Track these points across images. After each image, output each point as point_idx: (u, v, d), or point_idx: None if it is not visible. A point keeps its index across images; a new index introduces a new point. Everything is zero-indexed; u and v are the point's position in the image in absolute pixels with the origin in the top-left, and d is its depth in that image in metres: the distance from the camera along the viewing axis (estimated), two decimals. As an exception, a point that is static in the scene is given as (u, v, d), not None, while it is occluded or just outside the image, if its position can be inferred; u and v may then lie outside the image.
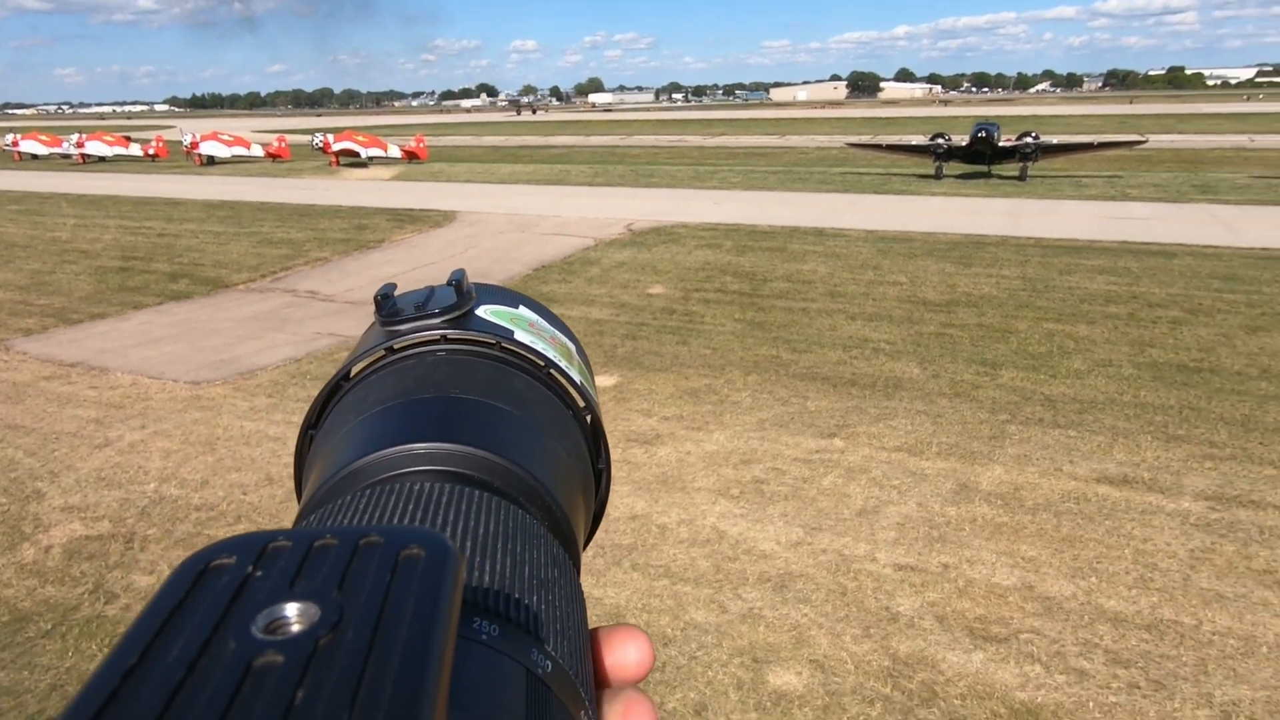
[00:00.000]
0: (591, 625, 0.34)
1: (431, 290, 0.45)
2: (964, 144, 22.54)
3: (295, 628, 0.18)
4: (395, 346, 0.43)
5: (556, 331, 0.49)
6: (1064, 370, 7.91)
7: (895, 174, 24.59)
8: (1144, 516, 5.24)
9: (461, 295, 0.44)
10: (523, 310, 0.47)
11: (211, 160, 34.27)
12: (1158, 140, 33.34)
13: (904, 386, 7.59)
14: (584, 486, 0.42)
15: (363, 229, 17.13)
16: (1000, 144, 22.25)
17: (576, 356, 0.48)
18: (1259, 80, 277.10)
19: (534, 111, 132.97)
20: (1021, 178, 22.16)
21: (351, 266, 13.68)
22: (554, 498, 0.37)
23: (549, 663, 0.27)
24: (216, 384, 8.02)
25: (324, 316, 10.50)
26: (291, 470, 0.45)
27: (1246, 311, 9.66)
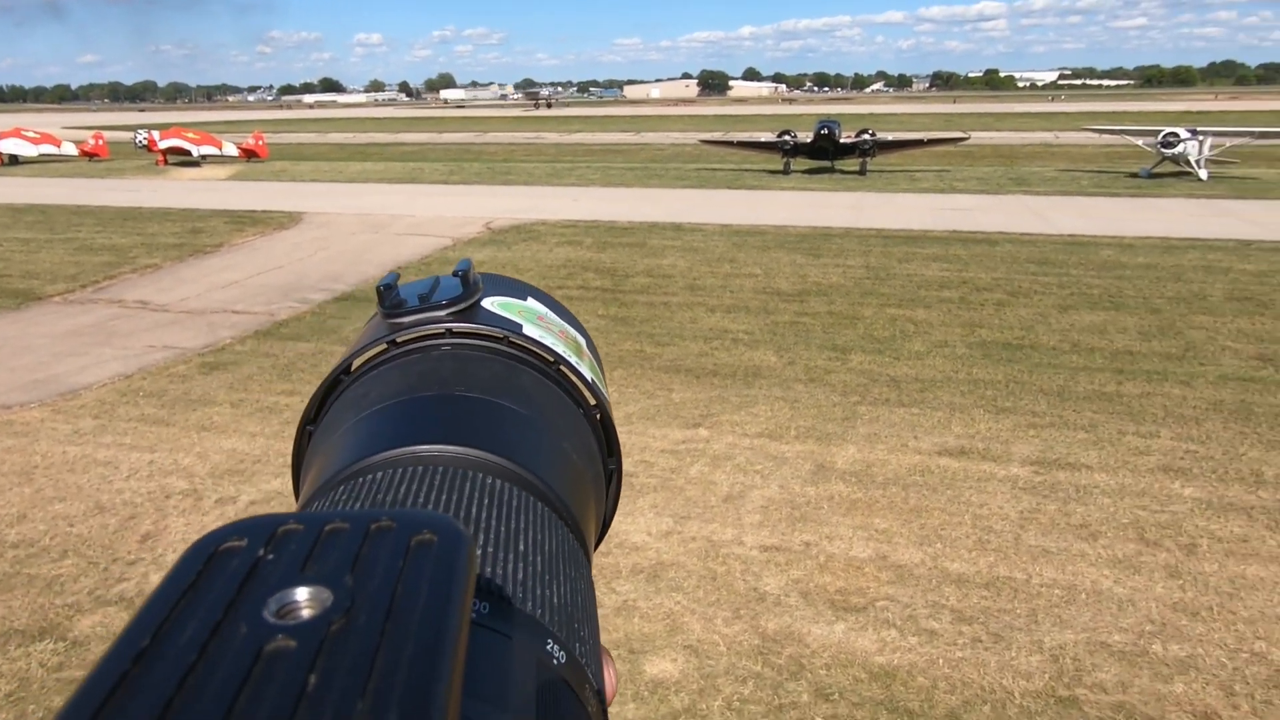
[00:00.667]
0: None
1: (437, 280, 0.43)
2: (809, 141, 23.64)
3: (307, 612, 0.18)
4: (398, 340, 0.41)
5: (566, 325, 0.48)
6: (906, 352, 8.46)
7: (747, 170, 25.46)
8: (980, 484, 5.70)
9: (468, 286, 0.42)
10: (531, 302, 0.46)
11: (15, 160, 30.92)
12: (979, 137, 36.18)
13: (763, 374, 7.89)
14: (594, 487, 0.41)
15: (198, 232, 15.97)
16: (842, 140, 23.51)
17: (587, 351, 0.47)
18: (1060, 83, 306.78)
19: (549, 105, 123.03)
20: (862, 172, 23.50)
21: (186, 273, 12.73)
22: (562, 501, 0.36)
23: (563, 654, 0.27)
24: (32, 407, 7.26)
25: (157, 328, 9.71)
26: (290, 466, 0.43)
27: (1058, 292, 10.68)
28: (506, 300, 0.44)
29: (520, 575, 0.28)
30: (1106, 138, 27.49)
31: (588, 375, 0.44)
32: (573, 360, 0.43)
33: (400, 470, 0.33)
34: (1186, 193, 19.13)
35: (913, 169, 24.94)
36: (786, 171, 23.86)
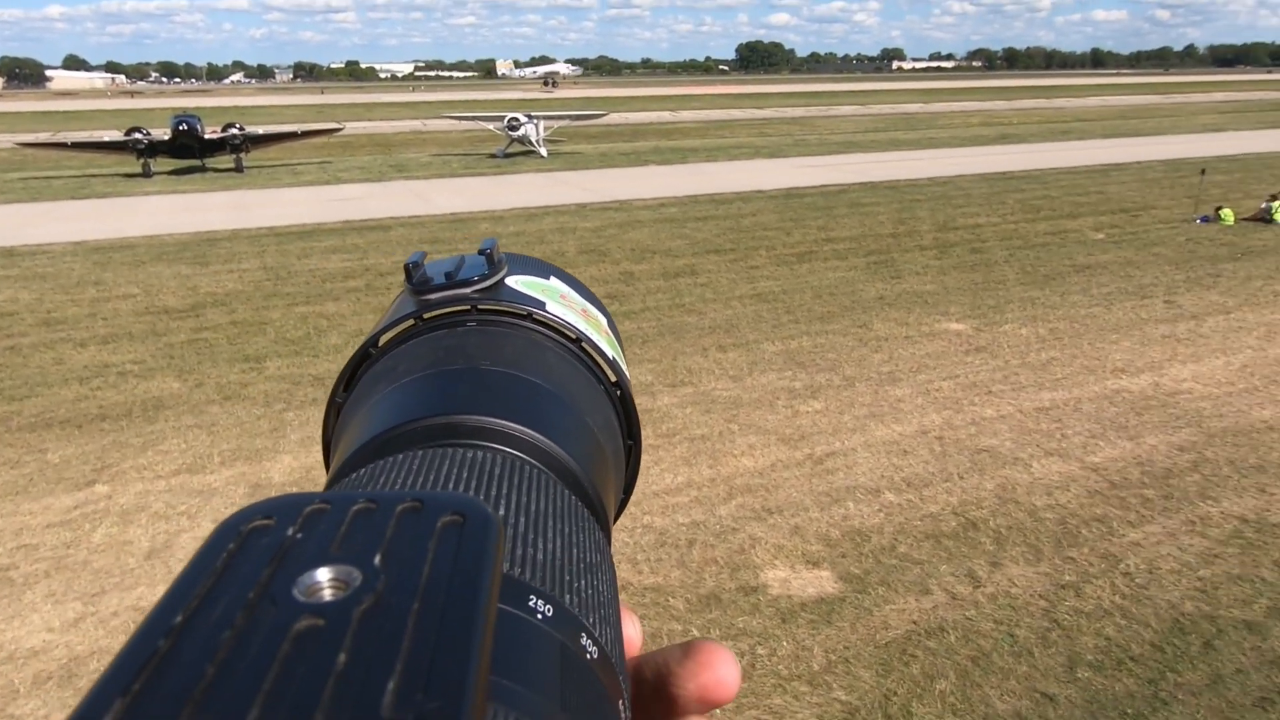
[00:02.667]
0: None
1: (462, 259, 0.43)
2: (167, 138, 21.11)
3: (336, 592, 0.18)
4: (425, 316, 0.41)
5: (588, 304, 0.47)
6: (324, 347, 8.32)
7: (94, 175, 21.64)
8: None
9: (493, 264, 0.43)
10: (554, 281, 0.46)
11: None
12: (353, 127, 36.83)
13: (167, 405, 6.94)
14: (615, 461, 0.41)
15: None
16: (206, 136, 21.54)
17: (608, 330, 0.47)
18: (417, 74, 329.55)
19: (555, 85, 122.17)
20: (238, 169, 21.97)
21: None
22: (586, 473, 0.36)
23: (595, 649, 0.26)
24: None
25: None
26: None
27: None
28: (530, 279, 0.45)
29: (543, 556, 0.28)
30: (465, 124, 30.59)
31: (609, 353, 0.44)
32: (594, 338, 0.43)
33: (426, 448, 0.33)
34: (534, 168, 22.50)
35: (294, 163, 24.24)
36: (148, 174, 20.99)
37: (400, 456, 0.31)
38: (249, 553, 0.19)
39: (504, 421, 0.35)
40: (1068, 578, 4.66)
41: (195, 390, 7.26)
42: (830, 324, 9.09)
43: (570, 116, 28.04)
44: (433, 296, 0.41)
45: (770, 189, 18.53)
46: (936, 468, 5.86)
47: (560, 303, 0.44)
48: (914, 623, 4.29)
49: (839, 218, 15.14)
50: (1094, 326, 8.86)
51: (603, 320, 0.47)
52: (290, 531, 0.20)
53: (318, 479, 3.76)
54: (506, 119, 24.02)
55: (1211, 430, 6.42)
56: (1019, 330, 8.74)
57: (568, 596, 0.27)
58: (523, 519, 0.29)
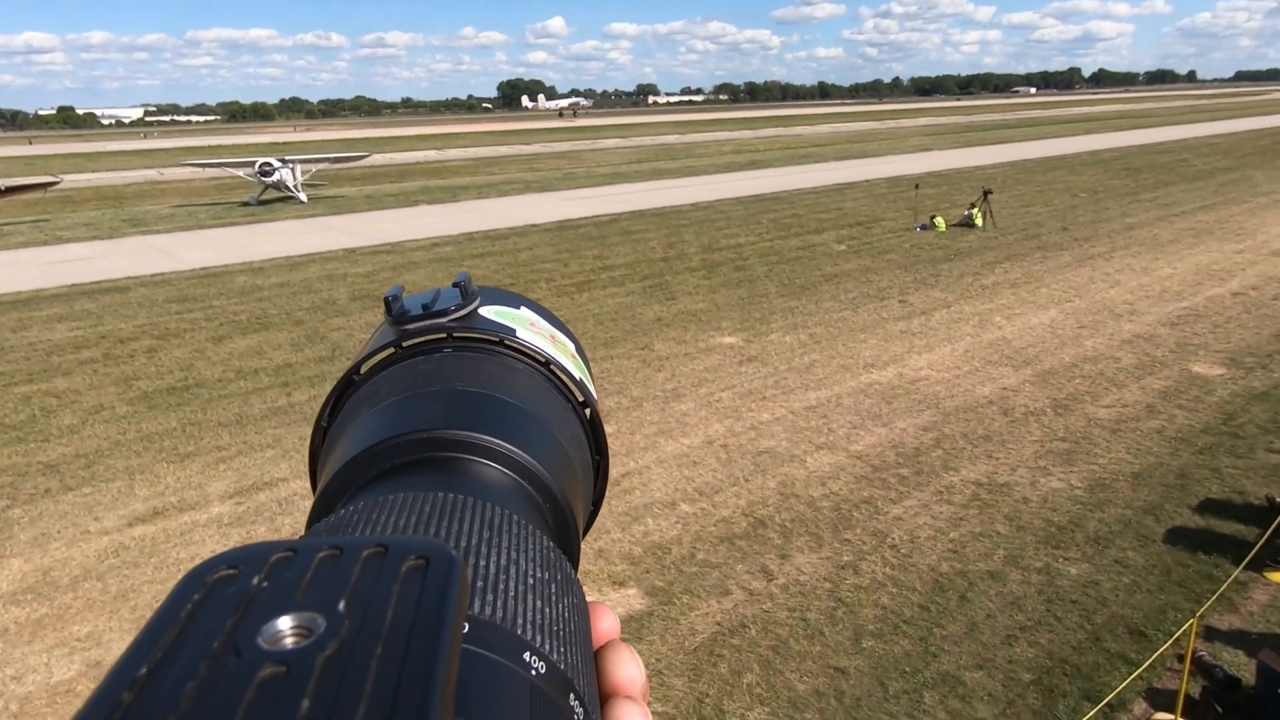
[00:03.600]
0: None
1: (438, 292, 0.46)
2: None
3: (301, 639, 0.18)
4: (404, 344, 0.44)
5: (556, 331, 0.49)
6: (56, 430, 7.29)
7: None
8: (186, 536, 5.39)
9: (466, 296, 0.45)
10: (524, 311, 0.48)
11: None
12: (73, 180, 32.80)
13: None
14: (584, 475, 0.43)
15: None
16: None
17: (576, 355, 0.49)
18: (148, 119, 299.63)
19: (574, 114, 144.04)
20: (-76, 234, 18.75)
21: None
22: (556, 483, 0.38)
23: (543, 664, 0.26)
24: None
25: None
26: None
27: (208, 325, 10.67)
28: (502, 308, 0.47)
29: (512, 589, 0.28)
30: (210, 171, 28.22)
31: (576, 375, 0.46)
32: (563, 361, 0.46)
33: (408, 457, 0.36)
34: (295, 215, 21.22)
35: (-2, 223, 21.11)
36: None
37: (366, 503, 0.32)
38: (214, 603, 0.19)
39: (480, 435, 0.37)
40: (846, 558, 5.10)
41: (-116, 498, 6.08)
42: (614, 349, 9.35)
43: (329, 159, 26.79)
44: (411, 326, 0.44)
45: (544, 222, 18.79)
46: (724, 474, 6.20)
47: (530, 330, 0.47)
48: (718, 624, 4.50)
49: (613, 246, 15.65)
50: (845, 329, 9.82)
51: (570, 345, 0.50)
52: (255, 580, 0.20)
53: (57, 580, 3.35)
54: (258, 164, 22.49)
55: (947, 410, 7.34)
56: (784, 338, 9.49)
57: (524, 624, 0.27)
58: (487, 559, 0.29)
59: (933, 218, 16.71)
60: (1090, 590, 4.79)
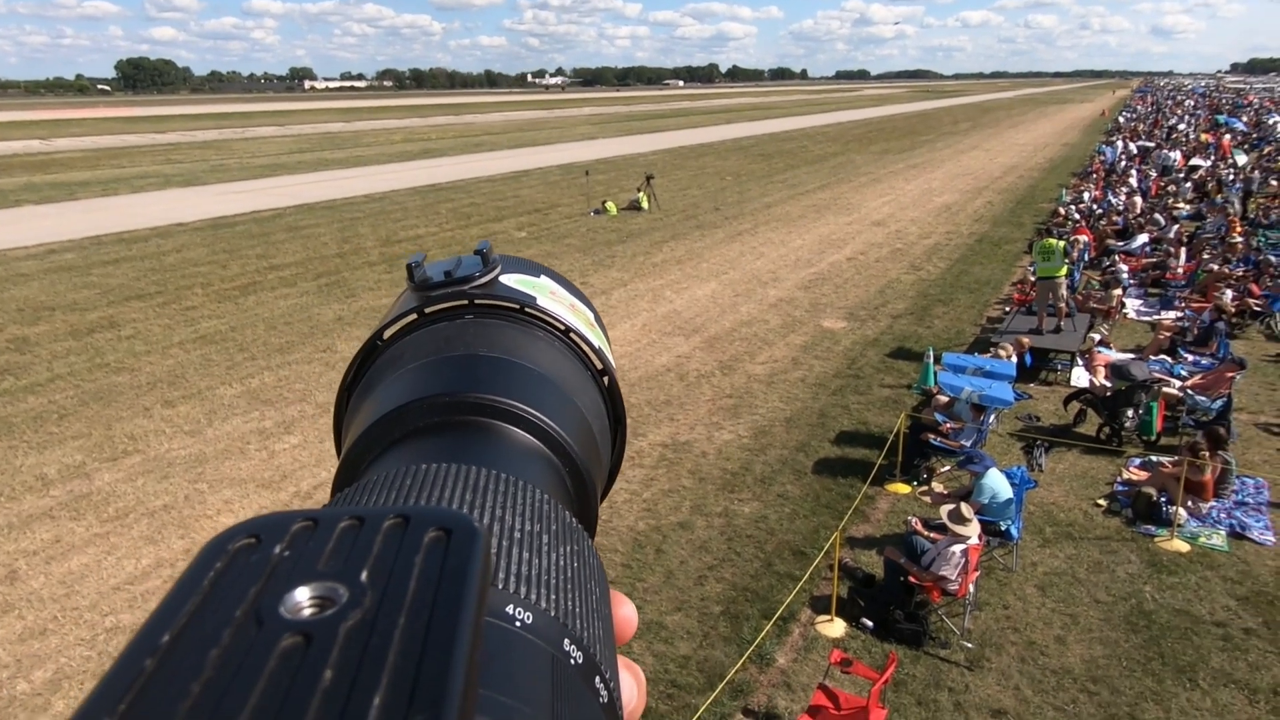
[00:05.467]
0: None
1: (459, 260, 0.46)
2: None
3: (322, 609, 0.18)
4: (426, 310, 0.44)
5: (576, 300, 0.49)
6: None
7: None
8: None
9: (487, 264, 0.45)
10: (544, 279, 0.48)
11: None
12: None
13: None
14: (601, 440, 0.43)
15: None
16: None
17: (594, 323, 0.49)
18: None
19: (563, 89, 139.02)
20: None
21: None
22: (574, 448, 0.38)
23: (575, 645, 0.26)
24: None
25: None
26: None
27: None
28: (522, 277, 0.47)
29: (530, 568, 0.28)
30: None
31: (595, 342, 0.46)
32: (581, 329, 0.46)
33: (431, 419, 0.36)
34: None
35: None
36: None
37: (388, 474, 0.31)
38: (236, 571, 0.19)
39: (502, 399, 0.37)
40: (552, 533, 5.31)
41: None
42: (291, 354, 8.70)
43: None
44: (434, 293, 0.44)
45: (193, 221, 16.76)
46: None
47: (550, 298, 0.47)
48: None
49: (279, 244, 14.44)
50: (533, 313, 10.09)
51: (589, 314, 0.50)
52: (277, 550, 0.20)
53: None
54: None
55: (632, 381, 7.89)
56: (473, 328, 9.50)
57: (554, 607, 0.27)
58: (509, 530, 0.29)
59: (604, 202, 17.67)
60: (761, 524, 5.50)
